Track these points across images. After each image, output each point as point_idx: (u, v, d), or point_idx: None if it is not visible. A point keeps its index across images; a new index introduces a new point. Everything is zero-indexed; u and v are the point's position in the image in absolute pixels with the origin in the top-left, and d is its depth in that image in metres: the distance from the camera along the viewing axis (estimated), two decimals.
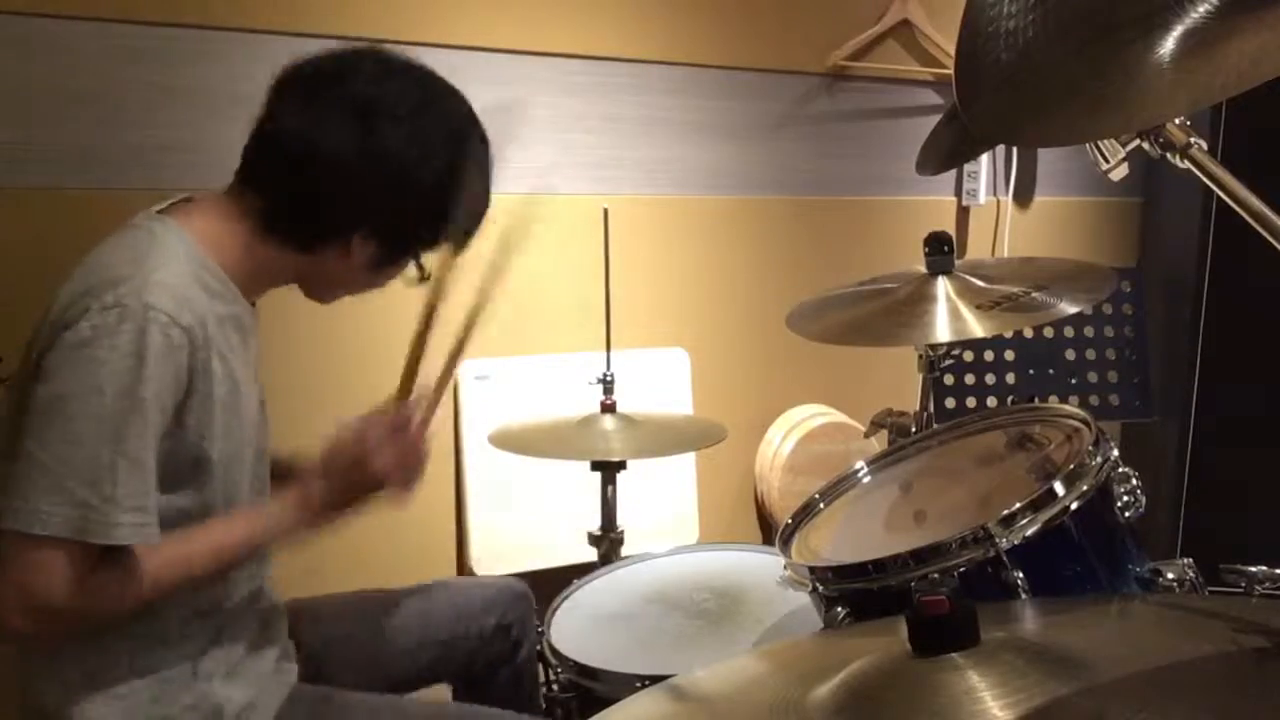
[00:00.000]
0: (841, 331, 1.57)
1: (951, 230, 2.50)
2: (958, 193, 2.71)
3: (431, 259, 1.28)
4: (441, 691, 1.56)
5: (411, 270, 1.29)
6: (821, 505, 1.37)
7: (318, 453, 1.23)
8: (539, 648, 1.39)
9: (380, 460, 1.20)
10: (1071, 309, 1.46)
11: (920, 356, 1.72)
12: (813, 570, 1.17)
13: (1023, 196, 2.80)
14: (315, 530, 1.21)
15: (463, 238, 1.27)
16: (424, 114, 1.22)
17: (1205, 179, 0.96)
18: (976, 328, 1.46)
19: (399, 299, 2.03)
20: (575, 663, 1.33)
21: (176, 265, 1.13)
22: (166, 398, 1.09)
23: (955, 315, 1.48)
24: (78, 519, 1.04)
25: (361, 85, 1.20)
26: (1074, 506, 1.07)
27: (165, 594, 1.12)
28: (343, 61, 1.22)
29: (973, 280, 1.56)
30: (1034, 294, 1.48)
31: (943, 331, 1.47)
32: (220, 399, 1.15)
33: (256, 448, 1.27)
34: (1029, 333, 2.11)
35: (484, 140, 1.28)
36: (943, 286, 1.54)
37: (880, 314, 1.57)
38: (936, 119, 1.92)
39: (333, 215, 1.21)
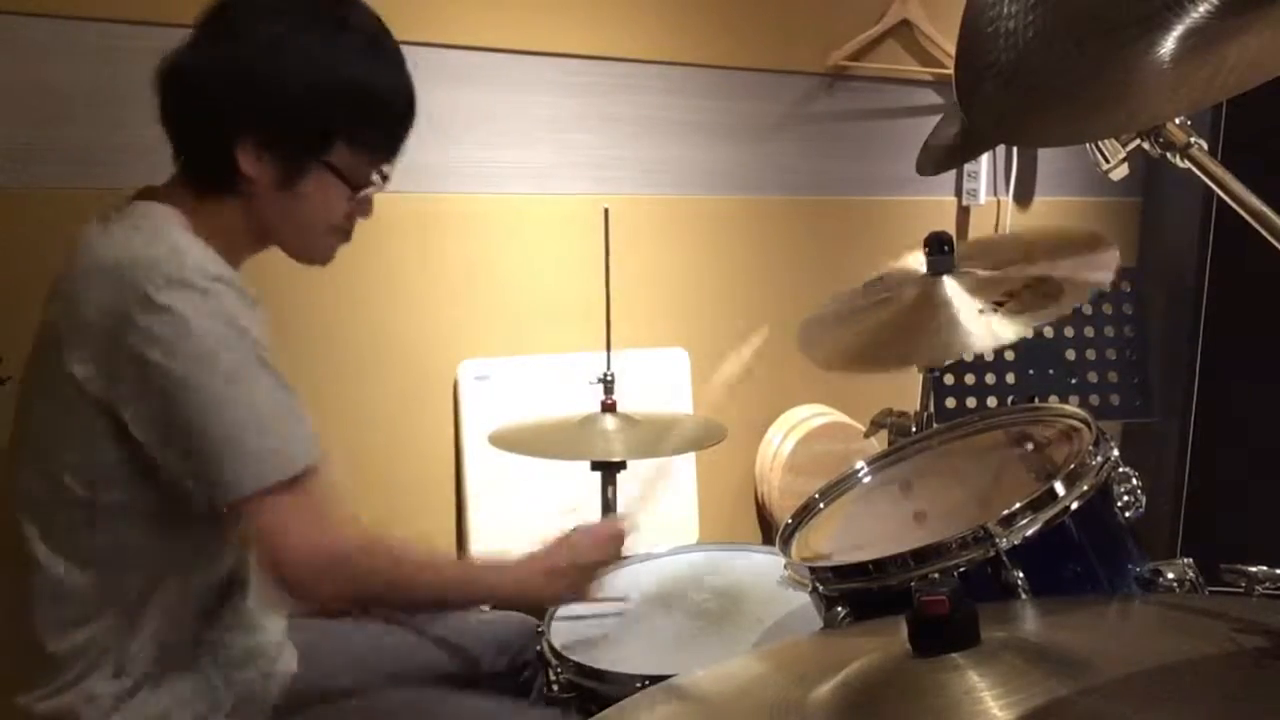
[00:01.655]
0: (851, 360, 1.57)
1: (952, 230, 2.50)
2: (958, 193, 2.71)
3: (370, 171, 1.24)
4: None
5: (365, 190, 1.24)
6: (821, 505, 1.37)
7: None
8: (538, 648, 1.39)
9: (595, 557, 1.32)
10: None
11: None
12: (813, 570, 1.17)
13: (1023, 196, 2.80)
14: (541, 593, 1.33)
15: (375, 136, 1.23)
16: (275, 15, 1.18)
17: (1205, 179, 0.96)
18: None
19: (390, 288, 2.02)
20: (575, 663, 1.33)
21: (183, 236, 1.14)
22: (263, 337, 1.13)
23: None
24: (284, 458, 1.09)
25: (225, 8, 1.20)
26: (1074, 506, 1.07)
27: (408, 573, 1.20)
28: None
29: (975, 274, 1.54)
30: None
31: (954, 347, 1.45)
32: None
33: None
34: (1029, 332, 2.10)
35: (363, 32, 1.21)
36: (943, 287, 1.53)
37: (888, 332, 1.53)
38: (936, 119, 1.92)
39: (206, 135, 1.19)
